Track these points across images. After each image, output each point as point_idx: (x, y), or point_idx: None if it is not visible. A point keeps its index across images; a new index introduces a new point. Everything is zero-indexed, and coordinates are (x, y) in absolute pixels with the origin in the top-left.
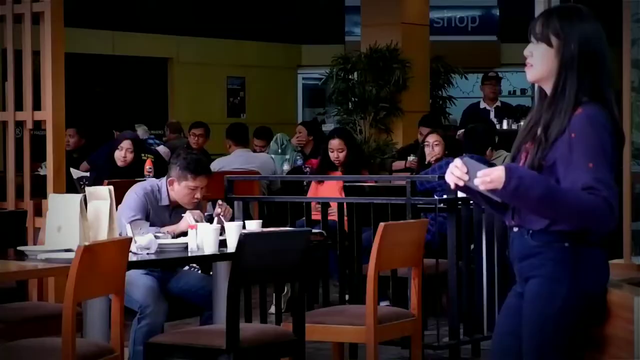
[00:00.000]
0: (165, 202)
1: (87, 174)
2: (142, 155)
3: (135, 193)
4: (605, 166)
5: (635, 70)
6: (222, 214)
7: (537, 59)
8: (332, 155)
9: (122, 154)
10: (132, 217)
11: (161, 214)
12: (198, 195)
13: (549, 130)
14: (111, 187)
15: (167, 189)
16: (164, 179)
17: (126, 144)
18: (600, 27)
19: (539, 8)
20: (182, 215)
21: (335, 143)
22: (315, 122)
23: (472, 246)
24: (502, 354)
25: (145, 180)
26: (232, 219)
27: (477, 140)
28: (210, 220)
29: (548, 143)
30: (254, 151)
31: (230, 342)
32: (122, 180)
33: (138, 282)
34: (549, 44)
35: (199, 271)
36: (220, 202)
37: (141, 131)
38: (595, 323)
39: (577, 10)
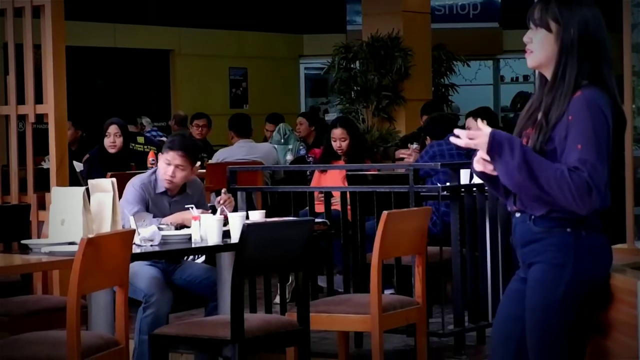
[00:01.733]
0: (161, 189)
1: None
2: (131, 144)
3: (132, 186)
4: (593, 148)
5: (635, 55)
6: (223, 202)
7: (536, 45)
8: (335, 145)
9: (111, 139)
10: (132, 210)
11: (160, 203)
12: (169, 172)
13: (549, 114)
14: (114, 180)
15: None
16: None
17: (113, 128)
18: (599, 12)
19: None
20: (186, 206)
21: (337, 132)
22: (315, 111)
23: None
24: (504, 338)
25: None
26: (235, 210)
27: (439, 127)
28: (213, 211)
29: (549, 127)
30: (264, 139)
31: (235, 332)
32: (124, 172)
33: (142, 272)
34: (548, 30)
35: (203, 261)
36: (224, 190)
37: (144, 123)
38: (598, 308)
39: None
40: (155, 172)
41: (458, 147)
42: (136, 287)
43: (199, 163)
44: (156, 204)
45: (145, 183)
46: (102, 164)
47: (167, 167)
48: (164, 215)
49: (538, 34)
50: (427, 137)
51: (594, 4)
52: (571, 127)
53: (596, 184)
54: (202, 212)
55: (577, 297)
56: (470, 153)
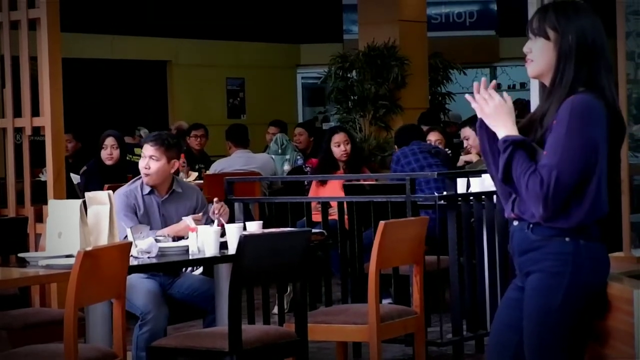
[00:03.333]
0: (147, 189)
1: None
2: (128, 156)
3: (117, 195)
4: (558, 153)
5: (630, 63)
6: (218, 212)
7: (536, 54)
8: (339, 150)
9: (108, 151)
10: (121, 219)
11: (149, 204)
12: (144, 163)
13: (544, 119)
14: (111, 192)
15: None
16: None
17: (109, 140)
18: (598, 20)
19: (532, 2)
20: (183, 218)
21: (341, 136)
22: (313, 122)
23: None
24: (501, 346)
25: None
26: (232, 221)
27: (404, 135)
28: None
29: (542, 130)
30: (265, 147)
31: (233, 344)
32: (122, 184)
33: (139, 287)
34: (547, 38)
35: (201, 272)
36: (216, 199)
37: (142, 134)
38: (595, 316)
39: (573, 5)
40: (138, 179)
41: (419, 147)
42: (133, 303)
43: (184, 162)
44: (145, 206)
45: (129, 189)
46: (99, 176)
47: (142, 161)
48: (155, 217)
49: (537, 43)
50: (396, 147)
51: (593, 13)
52: (552, 132)
53: (551, 187)
54: (195, 217)
55: (575, 305)
56: (432, 151)
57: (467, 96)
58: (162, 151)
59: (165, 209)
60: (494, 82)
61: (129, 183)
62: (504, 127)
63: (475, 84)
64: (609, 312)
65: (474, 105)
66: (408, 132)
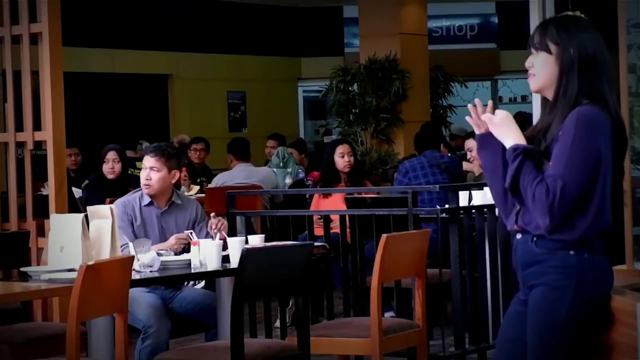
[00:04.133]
0: (146, 200)
1: None
2: (129, 169)
3: (115, 205)
4: (563, 163)
5: (632, 75)
6: (216, 228)
7: (538, 68)
8: (342, 161)
9: (110, 165)
10: (119, 227)
11: (148, 216)
12: (145, 175)
13: (548, 133)
14: (112, 206)
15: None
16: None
17: (111, 154)
18: (599, 34)
19: (534, 15)
20: (185, 231)
21: (345, 147)
22: (302, 141)
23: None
24: None
25: None
26: (234, 234)
27: (429, 139)
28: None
29: (546, 142)
30: (266, 161)
31: (235, 358)
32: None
33: (141, 301)
34: (548, 52)
35: (203, 286)
36: (213, 214)
37: (144, 148)
38: (599, 330)
39: (573, 20)
40: (137, 191)
41: (429, 161)
42: (135, 316)
43: (186, 175)
44: (143, 217)
45: (127, 200)
46: (101, 190)
47: (143, 172)
48: (154, 228)
49: (539, 57)
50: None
51: (593, 27)
52: (558, 143)
53: (557, 197)
54: (179, 237)
55: (579, 319)
56: (442, 166)
57: (469, 106)
58: (163, 162)
59: (164, 221)
60: (490, 102)
61: (128, 194)
62: (513, 136)
63: (470, 105)
64: (612, 325)
65: (471, 122)
66: (427, 139)
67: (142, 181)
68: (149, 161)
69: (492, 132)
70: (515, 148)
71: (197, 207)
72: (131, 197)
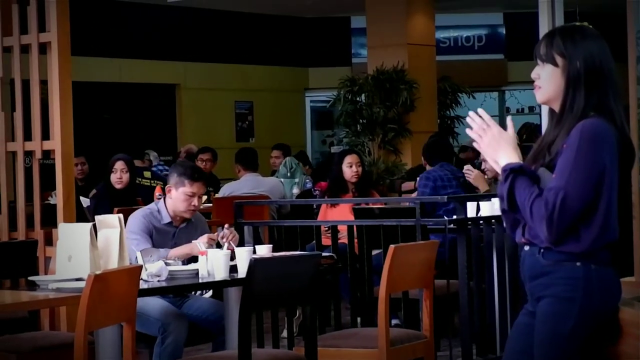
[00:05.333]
0: (166, 219)
1: None
2: (137, 179)
3: (135, 217)
4: (565, 176)
5: None
6: (225, 239)
7: (544, 80)
8: (350, 171)
9: (118, 175)
10: (136, 239)
11: (164, 233)
12: (195, 202)
13: (553, 145)
14: (121, 215)
15: (166, 206)
16: (161, 200)
17: (119, 164)
18: (605, 43)
19: (543, 26)
20: (193, 241)
21: (354, 157)
22: (302, 153)
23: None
24: None
25: None
26: (242, 244)
27: (436, 153)
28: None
29: (550, 156)
30: (272, 172)
31: None
32: (131, 208)
33: (154, 304)
34: (555, 64)
35: (210, 296)
36: (227, 225)
37: (152, 157)
38: (607, 341)
39: (579, 29)
40: (158, 204)
41: (452, 172)
42: (150, 318)
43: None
44: (160, 234)
45: (148, 214)
46: (108, 200)
47: (190, 198)
48: (168, 245)
49: (545, 69)
50: (425, 163)
51: (600, 37)
52: (562, 156)
53: (557, 209)
54: (210, 237)
55: (586, 331)
56: (460, 179)
57: (468, 119)
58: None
59: (179, 238)
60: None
61: (144, 208)
62: (504, 156)
63: (470, 112)
64: (620, 337)
65: (473, 135)
66: (440, 150)
67: (189, 207)
68: (202, 189)
69: (483, 154)
70: (505, 169)
71: (205, 225)
72: (149, 210)
